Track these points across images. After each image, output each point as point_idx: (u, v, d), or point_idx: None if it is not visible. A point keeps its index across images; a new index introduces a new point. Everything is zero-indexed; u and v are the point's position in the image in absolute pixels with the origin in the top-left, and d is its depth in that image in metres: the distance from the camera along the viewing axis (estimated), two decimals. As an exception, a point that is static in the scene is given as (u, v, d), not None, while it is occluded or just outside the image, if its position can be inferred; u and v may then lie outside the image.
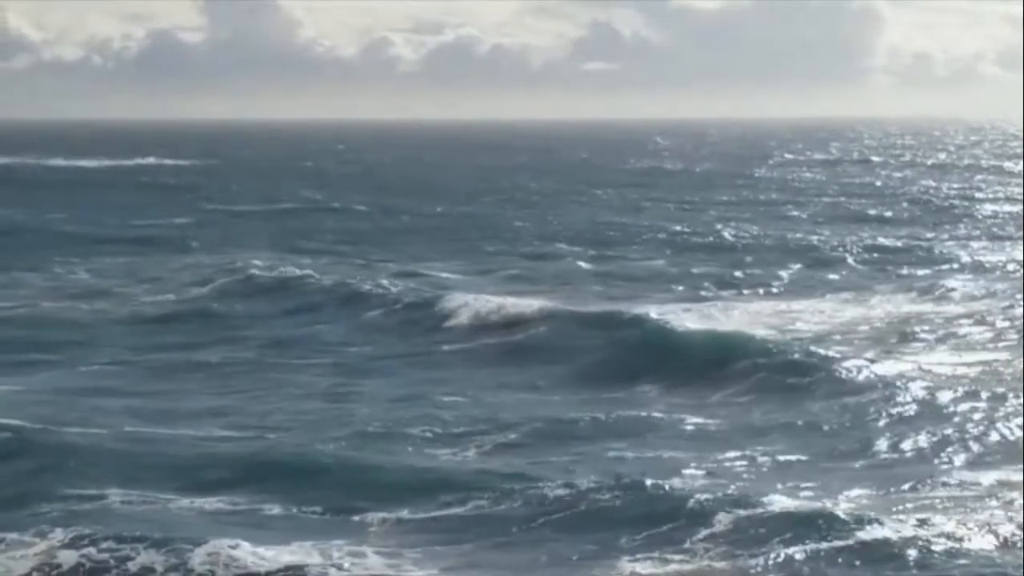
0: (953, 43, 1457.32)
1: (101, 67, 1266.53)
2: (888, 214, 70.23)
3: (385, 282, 39.83)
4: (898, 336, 32.10)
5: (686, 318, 33.75)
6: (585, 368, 28.94)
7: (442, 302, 35.81)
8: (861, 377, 26.59)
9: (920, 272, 45.08)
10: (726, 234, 57.60)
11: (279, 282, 40.73)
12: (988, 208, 72.84)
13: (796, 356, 28.04)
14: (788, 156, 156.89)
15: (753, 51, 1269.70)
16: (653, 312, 33.89)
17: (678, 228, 60.52)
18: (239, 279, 41.33)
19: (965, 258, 48.75)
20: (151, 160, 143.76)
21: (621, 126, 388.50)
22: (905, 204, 76.99)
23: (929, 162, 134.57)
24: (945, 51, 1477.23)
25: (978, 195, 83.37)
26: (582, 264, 48.29)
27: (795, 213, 70.76)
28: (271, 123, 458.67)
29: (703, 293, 40.33)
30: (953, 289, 40.06)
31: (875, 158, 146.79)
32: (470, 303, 35.19)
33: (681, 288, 41.46)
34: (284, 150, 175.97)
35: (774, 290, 41.10)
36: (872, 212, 71.60)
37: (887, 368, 27.33)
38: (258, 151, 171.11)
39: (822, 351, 28.63)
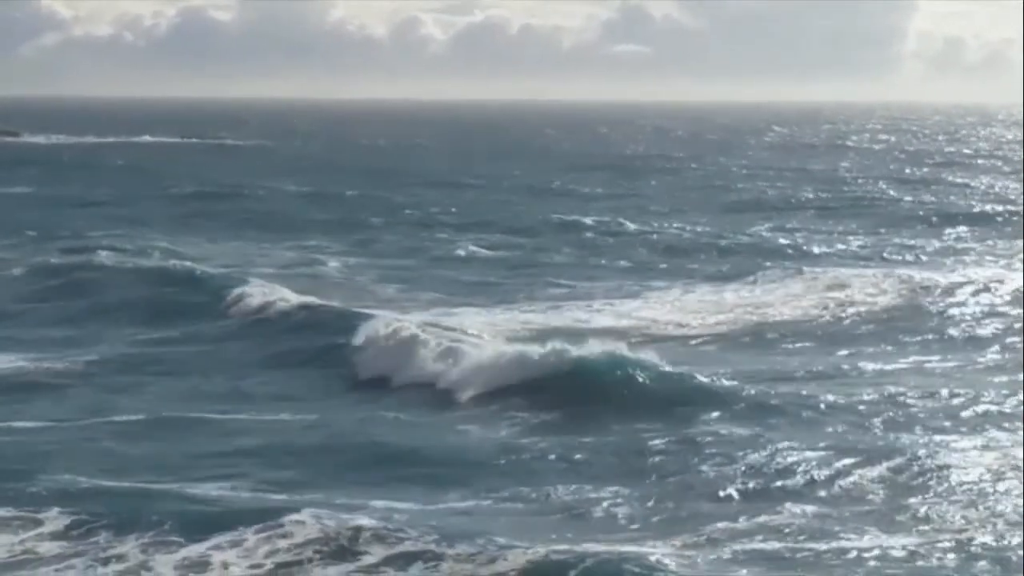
0: (984, 29, 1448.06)
1: (132, 45, 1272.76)
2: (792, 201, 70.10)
3: (195, 268, 39.96)
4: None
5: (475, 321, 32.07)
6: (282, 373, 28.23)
7: (230, 291, 35.82)
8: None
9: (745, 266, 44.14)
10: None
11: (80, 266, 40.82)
12: (912, 198, 72.11)
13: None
14: (770, 139, 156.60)
15: (785, 36, 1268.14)
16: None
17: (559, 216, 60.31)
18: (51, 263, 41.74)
19: (818, 250, 48.49)
20: (146, 138, 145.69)
21: (646, 109, 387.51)
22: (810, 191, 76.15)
23: (900, 151, 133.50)
24: (977, 36, 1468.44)
25: (913, 183, 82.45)
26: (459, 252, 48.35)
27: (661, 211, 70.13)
28: (298, 102, 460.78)
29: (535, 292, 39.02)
30: (767, 285, 39.58)
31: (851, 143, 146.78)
32: (252, 293, 35.12)
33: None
34: (285, 132, 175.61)
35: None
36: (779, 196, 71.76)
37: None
38: (253, 132, 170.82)
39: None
